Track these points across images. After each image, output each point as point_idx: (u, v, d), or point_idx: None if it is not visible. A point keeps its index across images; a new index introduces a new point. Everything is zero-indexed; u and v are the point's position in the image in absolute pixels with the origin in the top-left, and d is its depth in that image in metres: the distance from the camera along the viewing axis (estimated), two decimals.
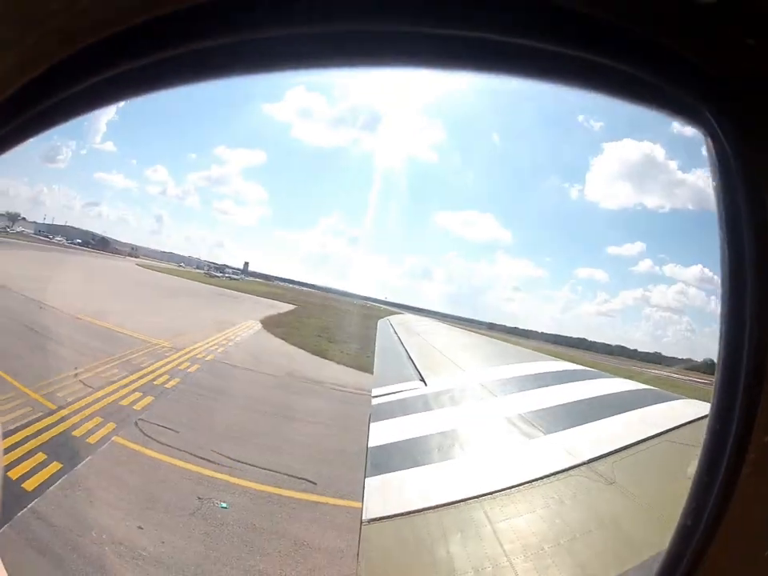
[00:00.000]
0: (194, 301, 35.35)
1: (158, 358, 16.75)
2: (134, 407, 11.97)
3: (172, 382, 14.56)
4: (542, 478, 5.07)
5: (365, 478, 5.61)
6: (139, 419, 11.27)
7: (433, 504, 4.85)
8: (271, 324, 30.96)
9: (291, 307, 45.84)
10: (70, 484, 8.15)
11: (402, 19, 0.85)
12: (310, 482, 9.57)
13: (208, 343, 20.89)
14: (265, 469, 9.71)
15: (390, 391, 9.17)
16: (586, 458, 5.23)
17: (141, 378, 14.31)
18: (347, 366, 22.09)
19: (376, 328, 32.02)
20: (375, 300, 66.48)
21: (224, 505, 8.59)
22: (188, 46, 0.94)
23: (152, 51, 0.95)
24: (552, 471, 5.14)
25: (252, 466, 9.75)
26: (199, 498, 8.59)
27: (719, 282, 0.97)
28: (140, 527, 7.49)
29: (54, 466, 8.50)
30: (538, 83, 0.97)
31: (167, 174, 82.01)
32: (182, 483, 8.99)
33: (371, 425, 7.40)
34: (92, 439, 9.85)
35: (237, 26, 0.90)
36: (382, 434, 7.00)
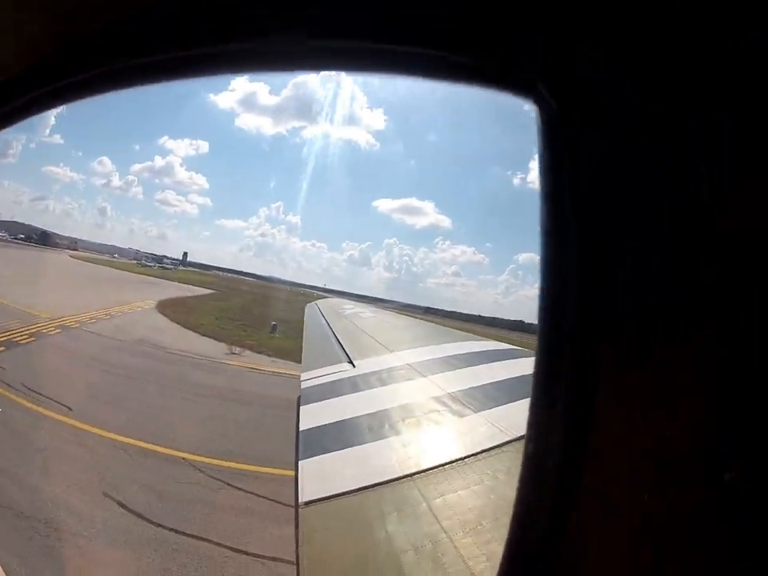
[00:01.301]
0: (105, 286, 35.99)
1: (29, 324, 18.69)
2: None
3: (28, 340, 16.87)
4: (475, 455, 5.13)
5: (297, 461, 5.38)
6: None
7: (368, 484, 4.76)
8: (167, 304, 31.57)
9: (208, 292, 46.84)
10: None
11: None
12: (68, 407, 11.46)
13: (85, 316, 22.56)
14: (42, 395, 11.80)
15: (317, 375, 8.99)
16: (518, 434, 5.27)
17: (3, 336, 16.47)
18: (209, 337, 23.94)
19: (283, 309, 35.14)
20: (314, 287, 66.13)
21: None
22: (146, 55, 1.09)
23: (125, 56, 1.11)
24: (485, 448, 5.21)
25: (37, 393, 11.86)
26: None
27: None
28: None
29: None
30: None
31: (111, 165, 78.68)
32: None
33: (301, 408, 7.18)
34: None
35: (202, 37, 1.04)
36: (312, 416, 6.85)
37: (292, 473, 9.10)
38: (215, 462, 9.75)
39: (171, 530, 7.43)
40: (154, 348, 19.75)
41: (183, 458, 9.84)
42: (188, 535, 7.32)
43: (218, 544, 7.20)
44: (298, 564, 3.81)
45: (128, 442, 10.36)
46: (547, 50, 0.90)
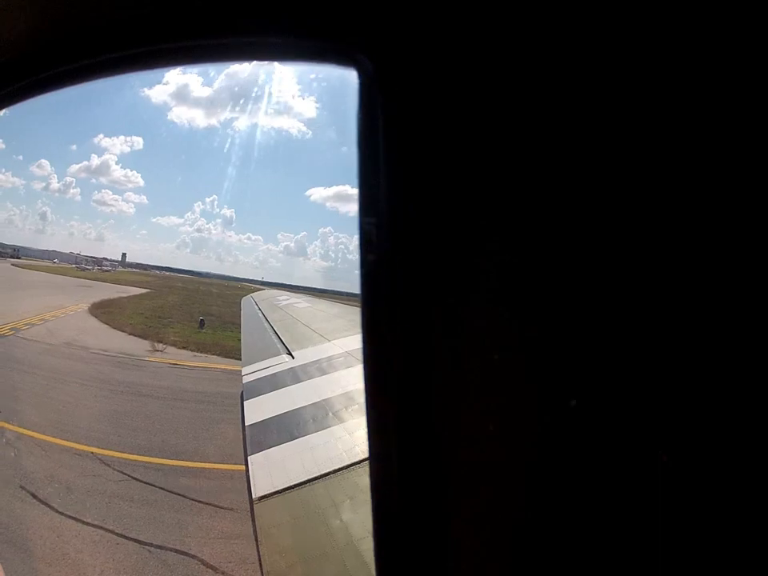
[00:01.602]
0: (43, 292, 35.54)
1: None
2: None
3: None
4: None
5: (246, 456, 5.31)
6: None
7: (318, 474, 4.82)
8: (99, 306, 31.99)
9: (143, 291, 47.35)
10: None
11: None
12: None
13: (20, 323, 22.84)
14: None
15: (258, 368, 8.84)
16: None
17: None
18: (136, 336, 24.47)
19: (216, 304, 35.62)
20: (252, 281, 64.63)
21: None
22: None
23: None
24: None
25: None
26: None
27: None
28: None
29: None
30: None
31: (50, 167, 78.14)
32: None
33: (245, 403, 7.04)
34: None
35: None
36: (256, 410, 6.78)
37: (192, 464, 9.46)
38: (117, 454, 10.21)
39: (73, 518, 7.89)
40: (79, 349, 20.32)
41: (92, 453, 10.19)
42: (87, 524, 7.78)
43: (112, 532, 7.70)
44: (260, 560, 3.79)
45: (41, 437, 10.65)
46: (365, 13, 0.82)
